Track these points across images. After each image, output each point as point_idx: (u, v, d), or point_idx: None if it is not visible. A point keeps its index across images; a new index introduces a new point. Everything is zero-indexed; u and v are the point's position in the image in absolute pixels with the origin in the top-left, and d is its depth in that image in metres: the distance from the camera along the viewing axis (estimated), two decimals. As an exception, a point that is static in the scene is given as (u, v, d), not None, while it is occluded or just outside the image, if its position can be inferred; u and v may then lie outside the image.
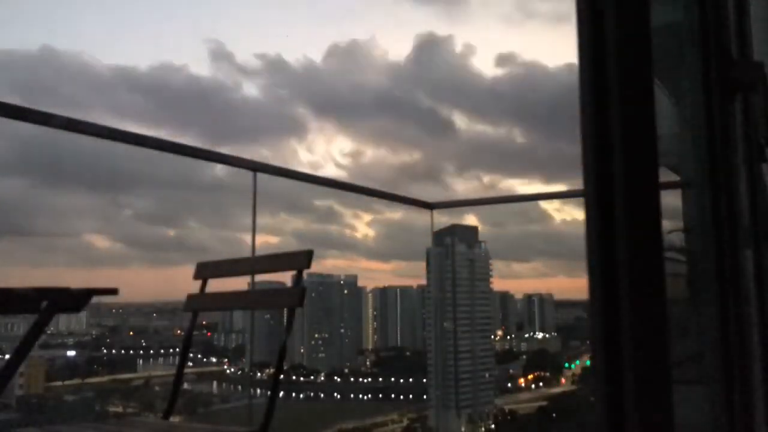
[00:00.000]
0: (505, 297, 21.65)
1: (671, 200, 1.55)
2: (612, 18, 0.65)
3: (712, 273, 1.15)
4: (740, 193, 1.34)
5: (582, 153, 0.66)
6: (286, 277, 2.33)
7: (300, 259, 2.00)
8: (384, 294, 22.50)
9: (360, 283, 22.50)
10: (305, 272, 2.01)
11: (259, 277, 2.60)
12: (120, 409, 17.55)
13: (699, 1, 1.22)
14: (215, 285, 2.28)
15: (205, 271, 2.29)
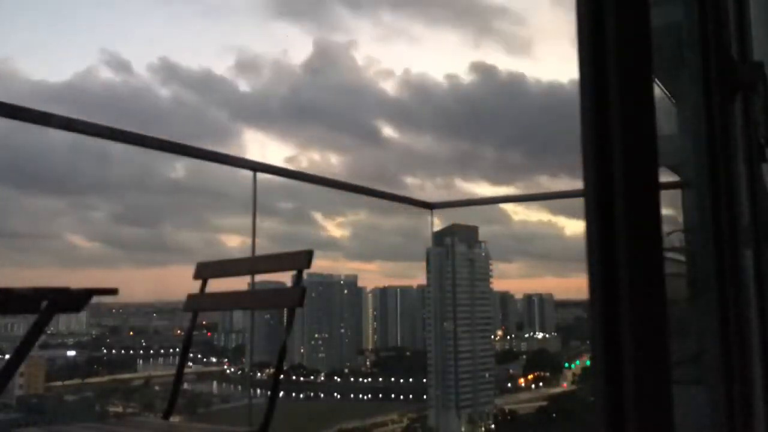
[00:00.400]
0: (505, 297, 21.64)
1: (671, 200, 1.55)
2: (612, 18, 0.65)
3: (712, 273, 1.15)
4: (740, 193, 1.35)
5: (582, 153, 0.66)
6: (286, 277, 2.34)
7: (300, 259, 2.00)
8: (384, 294, 22.49)
9: (360, 284, 22.50)
10: (305, 272, 2.02)
11: (259, 277, 2.61)
12: (120, 409, 17.55)
13: (699, 1, 1.23)
14: (215, 285, 2.29)
15: (205, 271, 2.29)
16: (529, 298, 22.39)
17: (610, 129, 0.64)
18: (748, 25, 1.57)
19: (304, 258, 1.99)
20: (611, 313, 0.63)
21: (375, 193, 4.45)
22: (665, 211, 0.67)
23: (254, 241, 3.14)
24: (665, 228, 0.69)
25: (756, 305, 1.44)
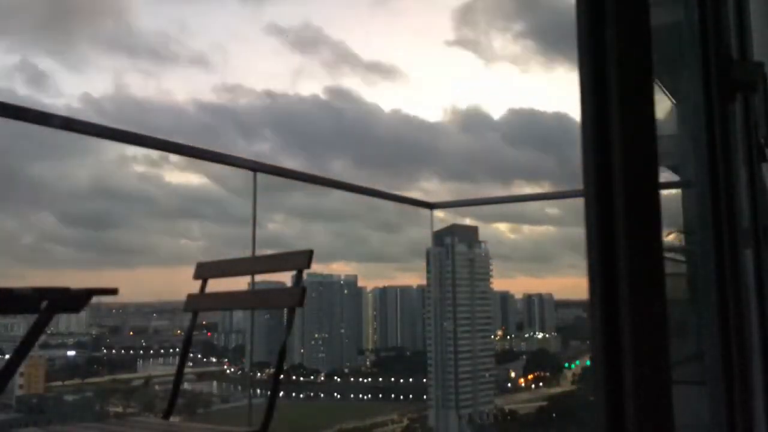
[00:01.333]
0: (505, 297, 21.64)
1: (671, 200, 1.55)
2: (612, 18, 0.65)
3: (712, 273, 1.15)
4: (740, 193, 1.34)
5: (582, 153, 0.66)
6: (286, 277, 2.34)
7: (300, 259, 2.00)
8: (384, 294, 22.48)
9: (360, 283, 22.50)
10: (305, 272, 2.02)
11: (259, 277, 2.60)
12: (120, 409, 17.55)
13: (699, 1, 1.23)
14: (215, 285, 2.28)
15: (205, 271, 2.29)
16: (529, 298, 22.39)
17: (609, 129, 0.64)
18: (748, 25, 1.57)
19: (304, 258, 1.99)
20: (611, 313, 0.63)
21: (375, 193, 4.44)
22: (665, 211, 0.66)
23: (254, 241, 3.15)
24: (665, 228, 0.69)
25: (756, 305, 1.44)
